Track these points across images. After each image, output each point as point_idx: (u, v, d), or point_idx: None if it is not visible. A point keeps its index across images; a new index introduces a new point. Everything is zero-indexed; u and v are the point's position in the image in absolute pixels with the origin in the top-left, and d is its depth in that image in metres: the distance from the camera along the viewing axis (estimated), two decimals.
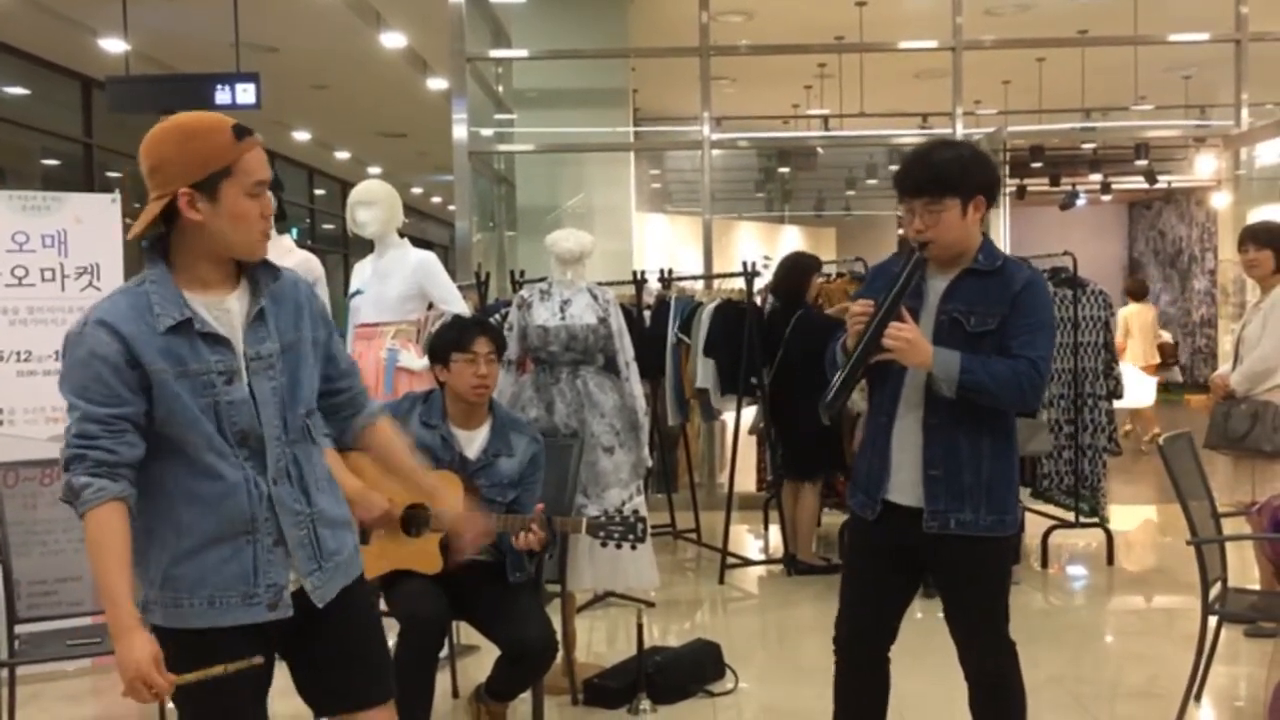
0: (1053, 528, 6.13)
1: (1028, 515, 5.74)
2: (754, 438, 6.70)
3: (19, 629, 3.63)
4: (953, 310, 2.75)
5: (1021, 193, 14.44)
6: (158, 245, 2.14)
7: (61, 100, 11.47)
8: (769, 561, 6.33)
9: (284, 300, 2.22)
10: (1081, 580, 6.06)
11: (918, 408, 2.76)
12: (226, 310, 2.14)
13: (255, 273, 2.19)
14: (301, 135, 15.65)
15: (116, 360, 2.04)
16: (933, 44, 8.50)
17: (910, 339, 2.66)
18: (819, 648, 3.13)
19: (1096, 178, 14.71)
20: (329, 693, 2.33)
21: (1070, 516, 6.15)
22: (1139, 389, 10.06)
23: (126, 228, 4.86)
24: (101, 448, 2.03)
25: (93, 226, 4.68)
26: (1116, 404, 6.25)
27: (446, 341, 3.59)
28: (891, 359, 2.70)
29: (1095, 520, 6.12)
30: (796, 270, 6.02)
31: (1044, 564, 6.07)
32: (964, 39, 8.10)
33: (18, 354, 4.57)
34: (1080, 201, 15.66)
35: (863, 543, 2.97)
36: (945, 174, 2.71)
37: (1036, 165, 13.46)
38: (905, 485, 2.78)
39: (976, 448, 2.74)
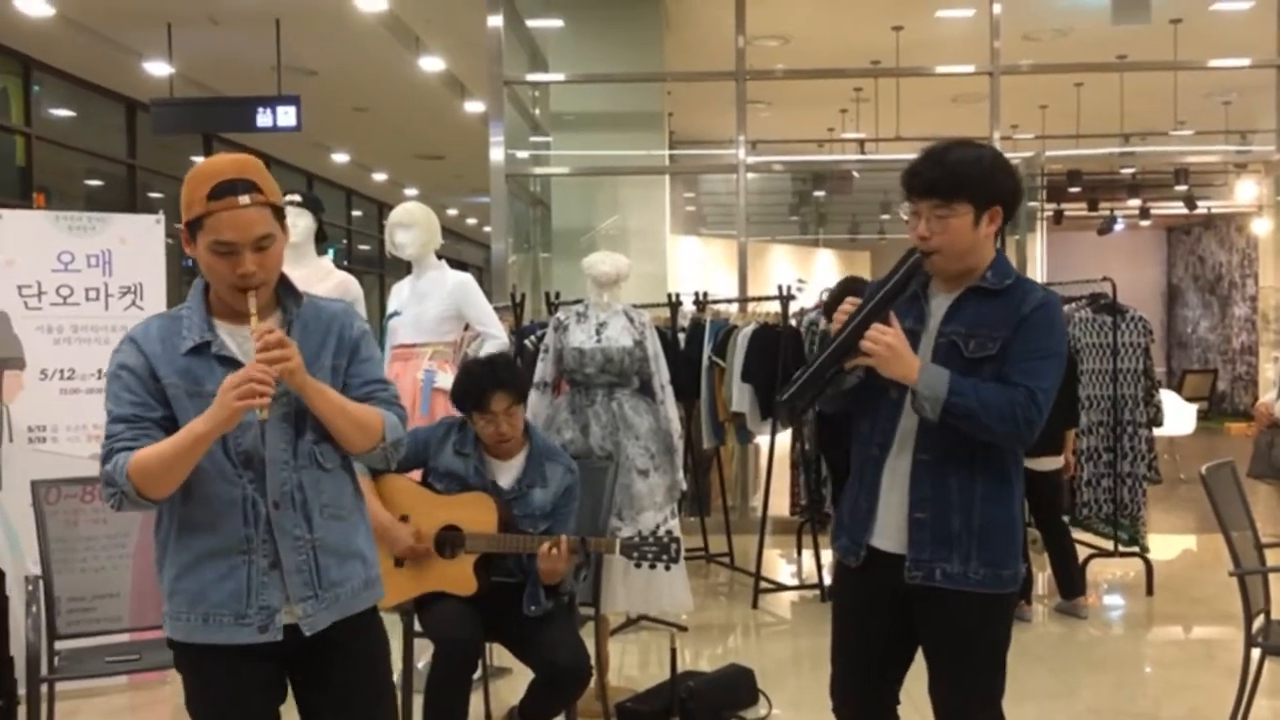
0: (1091, 556, 6.06)
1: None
2: (788, 462, 6.67)
3: (58, 645, 3.66)
4: (951, 333, 2.42)
5: (1059, 218, 14.36)
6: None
7: (106, 122, 11.65)
8: (803, 587, 6.29)
9: (311, 330, 2.26)
10: (1120, 610, 5.98)
11: (913, 442, 2.42)
12: (247, 337, 2.18)
13: (287, 301, 2.27)
14: (340, 157, 15.83)
15: (141, 372, 2.18)
16: (970, 68, 8.48)
17: (891, 344, 2.34)
18: None
19: (1135, 203, 14.60)
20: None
21: (1109, 545, 6.08)
22: (1178, 417, 9.95)
23: (169, 249, 4.94)
24: (125, 438, 2.15)
25: (137, 247, 4.75)
26: (1156, 431, 6.19)
27: (465, 398, 3.49)
28: (871, 365, 2.38)
29: (1135, 549, 6.05)
30: (849, 295, 5.97)
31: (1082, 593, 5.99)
32: (1001, 63, 8.06)
33: (61, 372, 4.62)
34: (1118, 226, 15.55)
35: (849, 594, 2.60)
36: (960, 174, 2.37)
37: (1074, 190, 13.38)
38: (891, 529, 2.45)
39: (968, 489, 2.39)
